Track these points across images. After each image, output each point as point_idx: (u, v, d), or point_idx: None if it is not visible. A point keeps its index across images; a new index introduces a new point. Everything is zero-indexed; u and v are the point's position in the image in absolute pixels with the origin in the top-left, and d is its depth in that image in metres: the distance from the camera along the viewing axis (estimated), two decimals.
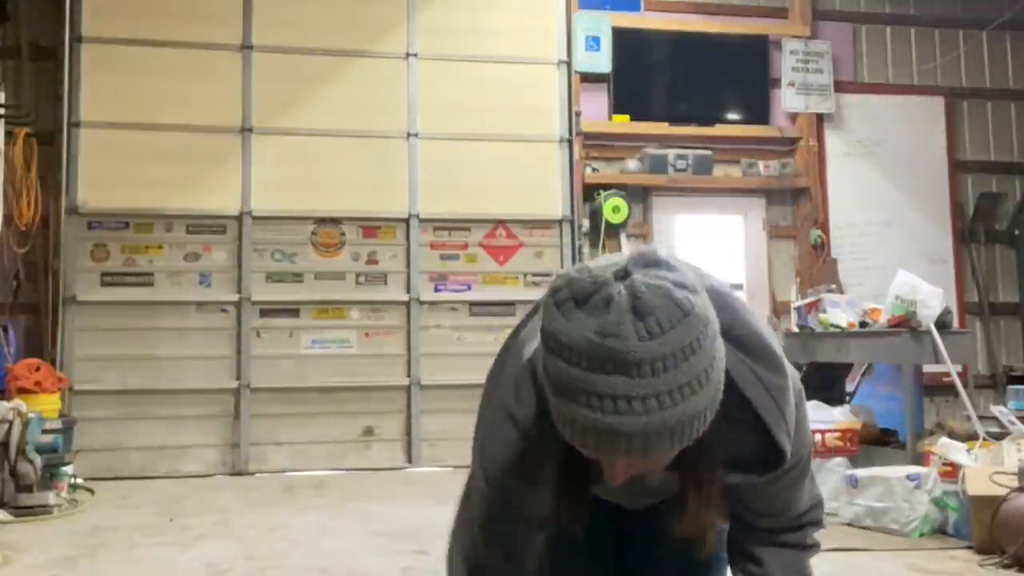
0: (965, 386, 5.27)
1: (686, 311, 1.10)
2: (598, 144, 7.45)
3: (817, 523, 1.57)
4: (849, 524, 4.37)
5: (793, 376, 1.40)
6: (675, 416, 1.11)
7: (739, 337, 1.30)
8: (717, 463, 1.30)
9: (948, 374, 4.85)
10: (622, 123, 7.46)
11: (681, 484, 1.31)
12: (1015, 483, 3.72)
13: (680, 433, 1.13)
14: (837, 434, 5.04)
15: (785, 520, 1.51)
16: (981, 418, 4.79)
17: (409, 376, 6.76)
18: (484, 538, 1.44)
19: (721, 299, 1.30)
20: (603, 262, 1.19)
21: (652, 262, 1.15)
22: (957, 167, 8.17)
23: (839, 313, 5.62)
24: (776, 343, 1.37)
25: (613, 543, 1.71)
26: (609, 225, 7.23)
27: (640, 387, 1.08)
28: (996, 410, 4.85)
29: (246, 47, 6.80)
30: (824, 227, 7.79)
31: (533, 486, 1.36)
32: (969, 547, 3.87)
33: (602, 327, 1.08)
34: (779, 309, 7.60)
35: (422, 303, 6.89)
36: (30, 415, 4.82)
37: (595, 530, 1.66)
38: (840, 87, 7.94)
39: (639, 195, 7.50)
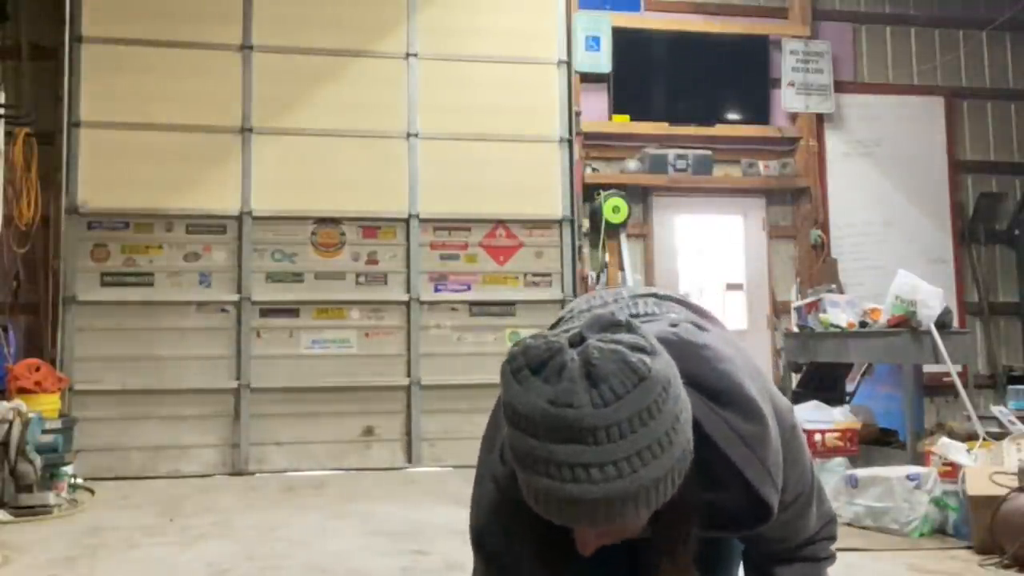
0: (965, 386, 5.28)
1: (641, 375, 1.08)
2: (598, 144, 7.45)
3: (831, 538, 1.56)
4: (849, 524, 4.37)
5: (780, 410, 1.35)
6: (637, 482, 1.08)
7: (709, 387, 1.27)
8: (692, 525, 1.25)
9: (948, 374, 4.86)
10: (622, 123, 7.47)
11: (654, 550, 1.25)
12: (1015, 483, 3.72)
13: (645, 498, 1.10)
14: (837, 434, 5.05)
15: (798, 542, 1.51)
16: (981, 418, 4.79)
17: (409, 376, 6.76)
18: None
19: (690, 348, 1.28)
20: (571, 317, 1.20)
21: (609, 325, 1.13)
22: (957, 167, 8.17)
23: (839, 313, 5.62)
24: (755, 386, 1.31)
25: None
26: (609, 225, 7.23)
27: (597, 454, 1.06)
28: (996, 410, 4.85)
29: (246, 47, 6.80)
30: (824, 227, 7.79)
31: (514, 545, 1.34)
32: (969, 547, 3.87)
33: (556, 396, 1.07)
34: (779, 309, 7.60)
35: (422, 303, 6.89)
36: (30, 415, 4.82)
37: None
38: (840, 87, 7.94)
39: (639, 195, 7.50)
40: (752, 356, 1.46)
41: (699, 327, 1.43)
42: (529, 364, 1.11)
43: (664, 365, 1.12)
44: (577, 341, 1.13)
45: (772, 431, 1.30)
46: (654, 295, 1.57)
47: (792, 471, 1.37)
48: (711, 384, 1.28)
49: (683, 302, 1.59)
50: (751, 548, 1.55)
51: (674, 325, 1.39)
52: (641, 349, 1.11)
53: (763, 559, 1.53)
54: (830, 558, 1.58)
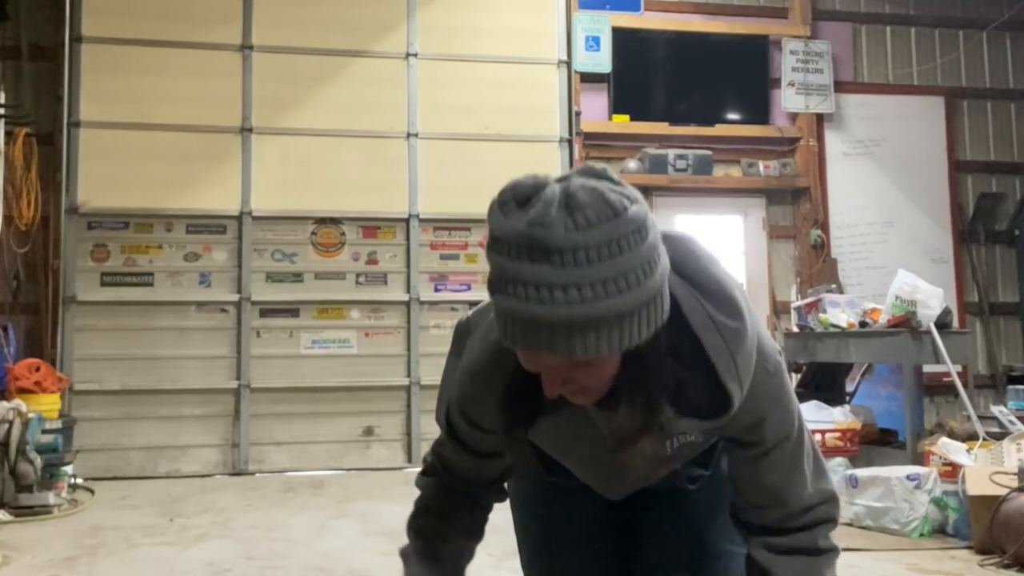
0: (965, 386, 5.28)
1: (616, 211, 1.11)
2: (598, 144, 7.45)
3: (830, 521, 1.51)
4: (849, 524, 4.37)
5: (764, 345, 1.34)
6: (599, 310, 1.09)
7: (696, 279, 1.28)
8: (658, 394, 1.24)
9: (948, 374, 4.86)
10: (622, 123, 7.47)
11: (627, 424, 1.26)
12: (1015, 483, 3.72)
13: (607, 331, 1.11)
14: (837, 434, 5.05)
15: (788, 515, 1.46)
16: (981, 418, 4.80)
17: (409, 376, 6.76)
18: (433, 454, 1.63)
19: (687, 245, 1.31)
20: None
21: (596, 173, 1.16)
22: (957, 167, 8.17)
23: (839, 313, 5.62)
24: (742, 296, 1.32)
25: (613, 539, 1.70)
26: None
27: (563, 276, 1.09)
28: (996, 410, 4.86)
29: (246, 47, 6.80)
30: (824, 227, 7.79)
31: (475, 427, 1.46)
32: (969, 547, 3.87)
33: (531, 218, 1.11)
34: (779, 309, 7.60)
35: (422, 303, 6.89)
36: (30, 415, 4.83)
37: (594, 526, 1.67)
38: (840, 87, 7.94)
39: None
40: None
41: None
42: (516, 197, 1.14)
43: (643, 212, 1.13)
44: (562, 179, 1.16)
45: (749, 336, 1.30)
46: None
47: (773, 408, 1.36)
48: (699, 277, 1.29)
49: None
50: (744, 531, 1.51)
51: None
52: (622, 193, 1.13)
53: (757, 544, 1.48)
54: (833, 551, 1.53)
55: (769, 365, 1.35)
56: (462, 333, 1.59)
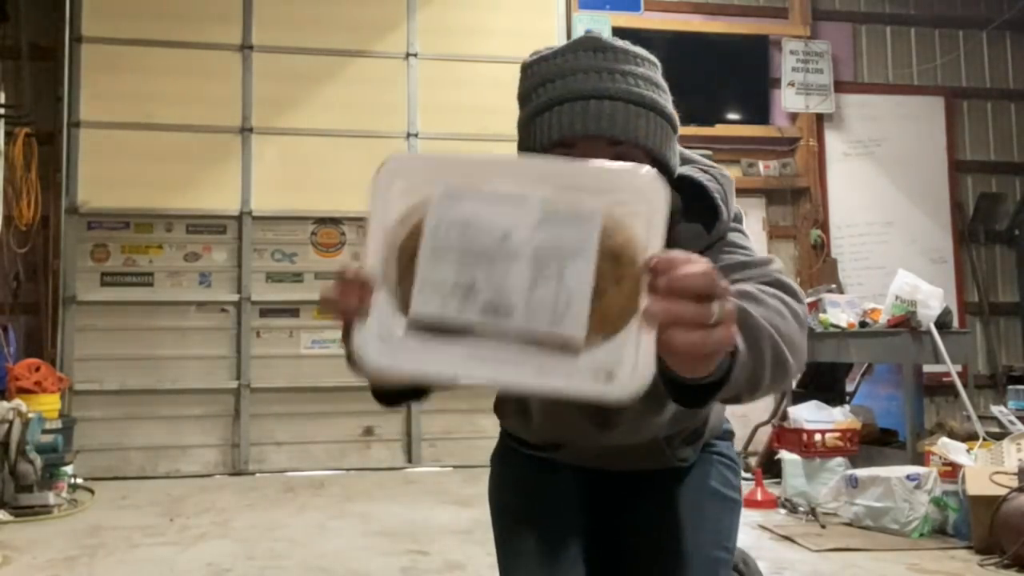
0: (965, 386, 5.28)
1: (643, 48, 1.28)
2: None
3: (782, 287, 1.24)
4: (849, 524, 4.37)
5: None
6: (651, 100, 1.22)
7: (686, 155, 1.40)
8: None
9: (948, 374, 4.86)
10: None
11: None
12: (1015, 483, 3.72)
13: (655, 123, 1.22)
14: (837, 434, 5.05)
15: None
16: (981, 418, 4.80)
17: None
18: None
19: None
20: None
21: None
22: (957, 167, 8.17)
23: (839, 313, 5.63)
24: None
25: (584, 537, 1.57)
26: None
27: (619, 65, 1.22)
28: (996, 410, 4.86)
29: (246, 47, 6.80)
30: (824, 227, 7.79)
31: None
32: (969, 547, 3.87)
33: (578, 38, 1.25)
34: None
35: None
36: (30, 415, 4.82)
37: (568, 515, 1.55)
38: (840, 87, 7.94)
39: None
40: None
41: None
42: (542, 51, 1.27)
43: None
44: None
45: (733, 199, 1.39)
46: None
47: (741, 249, 1.37)
48: (694, 157, 1.42)
49: None
50: None
51: None
52: None
53: None
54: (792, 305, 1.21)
55: (740, 216, 1.44)
56: None
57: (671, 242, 1.24)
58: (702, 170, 1.38)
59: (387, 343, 0.87)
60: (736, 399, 1.09)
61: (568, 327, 0.82)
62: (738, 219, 1.42)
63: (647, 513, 1.54)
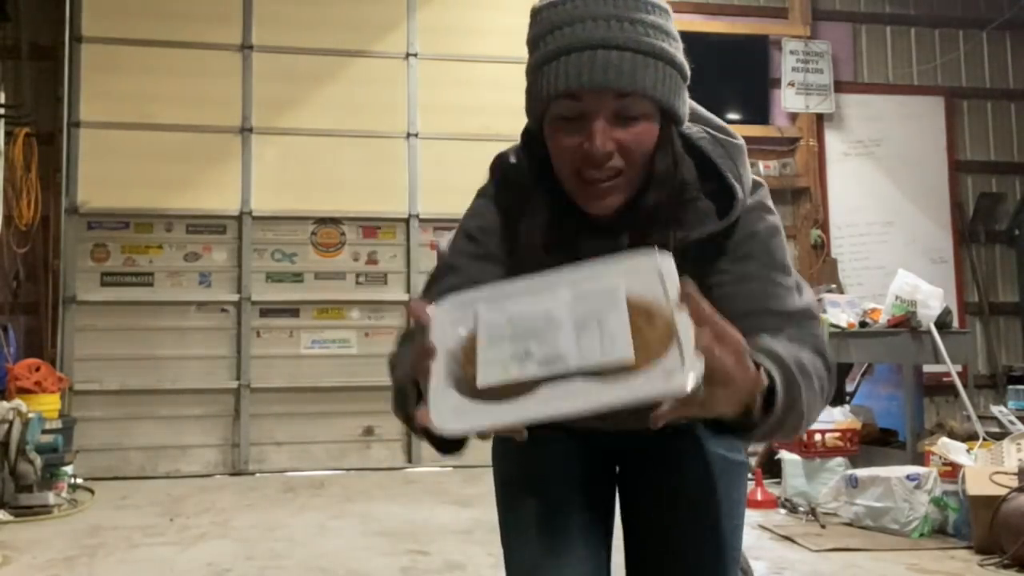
0: (965, 386, 5.28)
1: None
2: None
3: (816, 339, 1.30)
4: (849, 524, 4.37)
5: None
6: (658, 48, 1.21)
7: (696, 113, 1.39)
8: (680, 190, 1.31)
9: (948, 374, 4.86)
10: None
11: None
12: (1015, 483, 3.72)
13: (662, 70, 1.21)
14: (837, 434, 5.05)
15: (777, 309, 1.34)
16: (981, 418, 4.80)
17: None
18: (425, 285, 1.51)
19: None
20: None
21: None
22: (957, 167, 8.17)
23: (839, 313, 5.63)
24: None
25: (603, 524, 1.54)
26: None
27: (625, 12, 1.19)
28: (996, 410, 4.86)
29: (246, 47, 6.80)
30: (824, 227, 7.79)
31: (480, 257, 1.41)
32: (969, 547, 3.87)
33: None
34: None
35: None
36: (30, 415, 4.82)
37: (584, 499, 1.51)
38: (840, 87, 7.94)
39: None
40: None
41: None
42: None
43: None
44: None
45: (745, 155, 1.38)
46: None
47: (762, 222, 1.38)
48: (698, 112, 1.40)
49: None
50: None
51: None
52: None
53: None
54: (821, 354, 1.27)
55: (760, 182, 1.41)
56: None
57: (686, 222, 1.31)
58: (711, 136, 1.36)
59: (460, 410, 0.98)
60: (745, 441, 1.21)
61: (618, 352, 0.94)
62: (762, 193, 1.39)
63: (655, 483, 1.50)
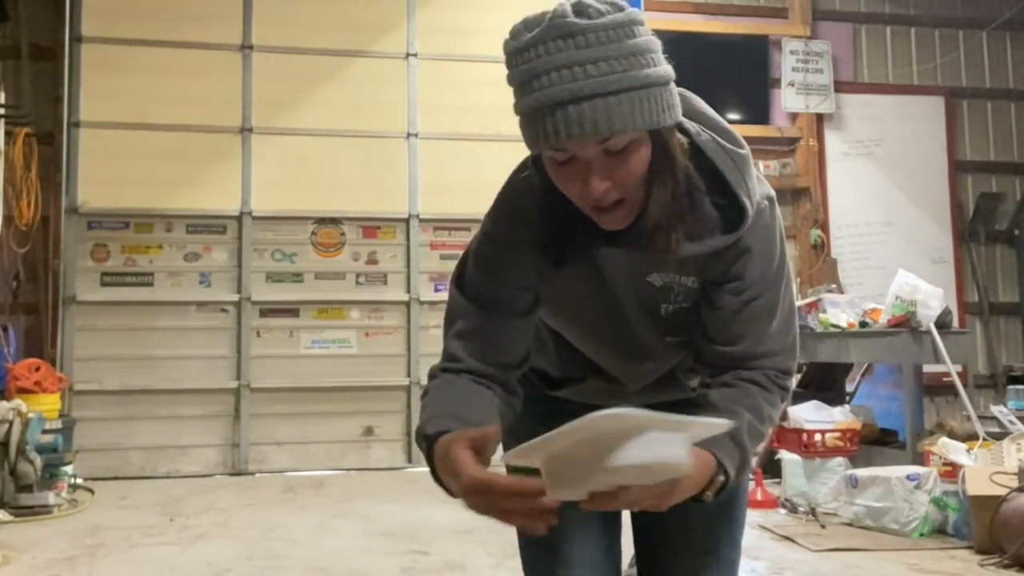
0: (965, 386, 5.28)
1: (621, 7, 1.22)
2: None
3: (786, 373, 1.43)
4: (849, 524, 4.37)
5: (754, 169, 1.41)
6: (628, 80, 1.19)
7: (702, 116, 1.40)
8: (682, 209, 1.32)
9: (948, 374, 4.86)
10: None
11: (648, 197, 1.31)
12: (1015, 483, 3.72)
13: (638, 101, 1.19)
14: (837, 434, 5.05)
15: (739, 353, 1.40)
16: (981, 418, 4.80)
17: (409, 376, 6.76)
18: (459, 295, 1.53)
19: (685, 93, 1.40)
20: None
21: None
22: (957, 167, 8.17)
23: (839, 313, 5.63)
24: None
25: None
26: None
27: (588, 53, 1.18)
28: (996, 410, 4.86)
29: (246, 47, 6.80)
30: (824, 227, 7.79)
31: (494, 278, 1.43)
32: (969, 547, 3.87)
33: (549, 20, 1.19)
34: None
35: (422, 303, 6.89)
36: (30, 415, 4.82)
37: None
38: (840, 87, 7.94)
39: None
40: None
41: None
42: (526, 23, 1.23)
43: (643, 17, 1.24)
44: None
45: (751, 161, 1.39)
46: None
47: (762, 239, 1.38)
48: (705, 116, 1.40)
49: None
50: (704, 351, 1.45)
51: None
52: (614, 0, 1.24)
53: (711, 363, 1.44)
54: (779, 389, 1.41)
55: (767, 192, 1.41)
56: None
57: (694, 233, 1.33)
58: (719, 144, 1.36)
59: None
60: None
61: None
62: (770, 201, 1.39)
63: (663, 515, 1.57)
